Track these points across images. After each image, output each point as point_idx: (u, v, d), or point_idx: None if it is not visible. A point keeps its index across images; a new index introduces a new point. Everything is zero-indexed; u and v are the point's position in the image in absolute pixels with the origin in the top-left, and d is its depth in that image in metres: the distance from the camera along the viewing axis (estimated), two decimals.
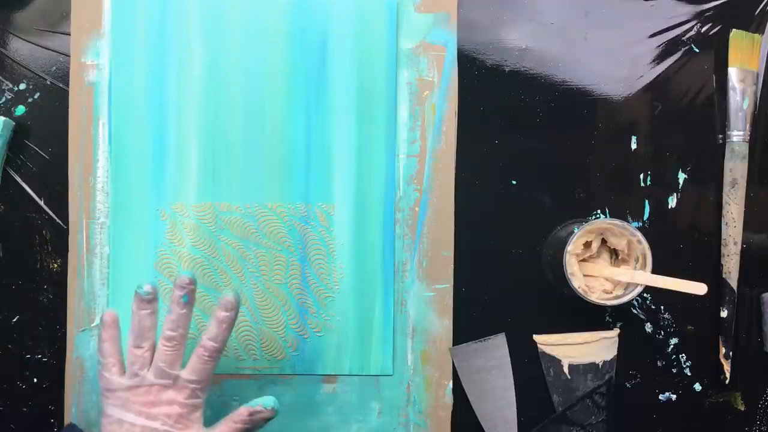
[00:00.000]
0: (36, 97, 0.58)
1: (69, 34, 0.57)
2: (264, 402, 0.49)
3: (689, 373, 0.58)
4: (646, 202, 0.58)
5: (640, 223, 0.58)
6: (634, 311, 0.58)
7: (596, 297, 0.53)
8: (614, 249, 0.55)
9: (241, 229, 0.57)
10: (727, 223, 0.57)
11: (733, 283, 0.57)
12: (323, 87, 0.57)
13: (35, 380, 0.57)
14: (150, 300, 0.50)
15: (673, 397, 0.58)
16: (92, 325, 0.57)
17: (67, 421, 0.56)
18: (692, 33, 0.58)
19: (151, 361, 0.49)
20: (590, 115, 0.58)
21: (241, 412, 0.49)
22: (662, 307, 0.58)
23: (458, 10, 0.57)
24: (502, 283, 0.58)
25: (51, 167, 0.57)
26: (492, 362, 0.57)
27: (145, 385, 0.49)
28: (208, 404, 0.54)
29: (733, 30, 0.57)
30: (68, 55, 0.57)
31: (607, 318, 0.58)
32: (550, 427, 0.57)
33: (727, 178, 0.57)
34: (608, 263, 0.56)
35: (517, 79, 0.58)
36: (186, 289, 0.49)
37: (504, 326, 0.58)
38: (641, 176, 0.58)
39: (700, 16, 0.58)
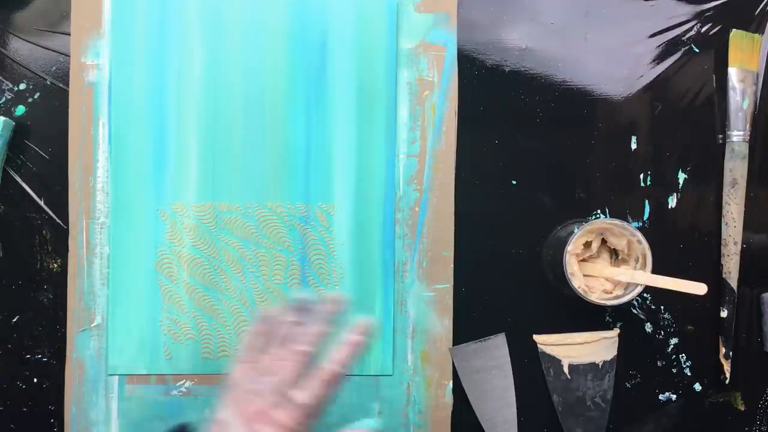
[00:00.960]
0: (36, 97, 0.58)
1: (69, 34, 0.57)
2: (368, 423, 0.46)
3: (689, 373, 0.58)
4: (646, 202, 0.58)
5: (640, 223, 0.58)
6: (634, 311, 0.58)
7: (596, 297, 0.53)
8: (614, 249, 0.55)
9: (241, 229, 0.57)
10: (727, 223, 0.57)
11: (733, 283, 0.57)
12: (323, 87, 0.57)
13: (35, 380, 0.57)
14: (300, 310, 0.46)
15: (673, 397, 0.58)
16: (92, 325, 0.57)
17: (67, 420, 0.56)
18: (692, 33, 0.58)
19: (275, 372, 0.45)
20: (590, 115, 0.58)
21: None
22: (662, 307, 0.58)
23: (458, 10, 0.57)
24: (502, 283, 0.58)
25: (51, 167, 0.57)
26: (492, 362, 0.57)
27: (264, 393, 0.45)
28: (207, 404, 0.54)
29: (733, 30, 0.57)
30: (68, 55, 0.57)
31: (607, 318, 0.58)
32: None
33: (727, 178, 0.57)
34: (608, 263, 0.56)
35: (517, 79, 0.58)
36: (337, 309, 0.46)
37: (504, 326, 0.58)
38: (641, 176, 0.58)
39: (700, 16, 0.58)
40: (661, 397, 0.58)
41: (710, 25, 0.58)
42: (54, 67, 0.58)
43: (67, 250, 0.57)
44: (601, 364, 0.57)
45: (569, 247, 0.53)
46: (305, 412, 0.44)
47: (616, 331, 0.58)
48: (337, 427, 0.57)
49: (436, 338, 0.57)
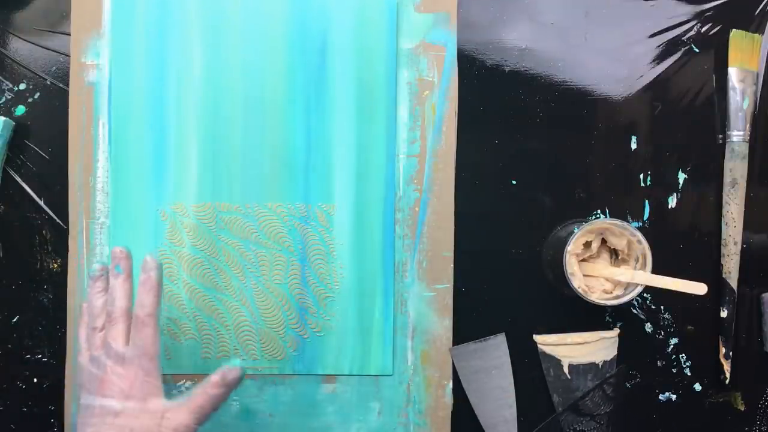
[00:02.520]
0: (36, 97, 0.58)
1: (69, 34, 0.57)
2: (230, 363, 0.49)
3: (689, 373, 0.58)
4: (646, 202, 0.58)
5: (640, 223, 0.58)
6: (634, 311, 0.58)
7: (596, 297, 0.53)
8: (614, 249, 0.55)
9: (241, 229, 0.57)
10: (727, 223, 0.57)
11: (733, 283, 0.57)
12: (323, 87, 0.57)
13: (35, 380, 0.57)
14: (96, 278, 0.50)
15: (673, 397, 0.58)
16: None
17: (67, 421, 0.56)
18: (692, 33, 0.58)
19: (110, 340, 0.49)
20: (590, 115, 0.58)
21: (213, 379, 0.49)
22: (662, 307, 0.58)
23: (458, 10, 0.57)
24: (502, 283, 0.58)
25: (51, 167, 0.57)
26: (492, 362, 0.57)
27: (101, 364, 0.48)
28: None
29: (733, 30, 0.57)
30: (68, 55, 0.57)
31: (607, 318, 0.58)
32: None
33: (727, 178, 0.57)
34: (608, 263, 0.56)
35: (517, 79, 0.58)
36: (117, 259, 0.50)
37: (504, 326, 0.58)
38: (641, 176, 0.58)
39: (700, 16, 0.58)
40: (661, 397, 0.58)
41: (710, 25, 0.58)
42: (54, 67, 0.58)
43: (67, 250, 0.57)
44: (601, 364, 0.57)
45: (569, 247, 0.53)
46: (138, 360, 0.48)
47: (616, 331, 0.58)
48: (336, 428, 0.57)
49: (436, 338, 0.57)
